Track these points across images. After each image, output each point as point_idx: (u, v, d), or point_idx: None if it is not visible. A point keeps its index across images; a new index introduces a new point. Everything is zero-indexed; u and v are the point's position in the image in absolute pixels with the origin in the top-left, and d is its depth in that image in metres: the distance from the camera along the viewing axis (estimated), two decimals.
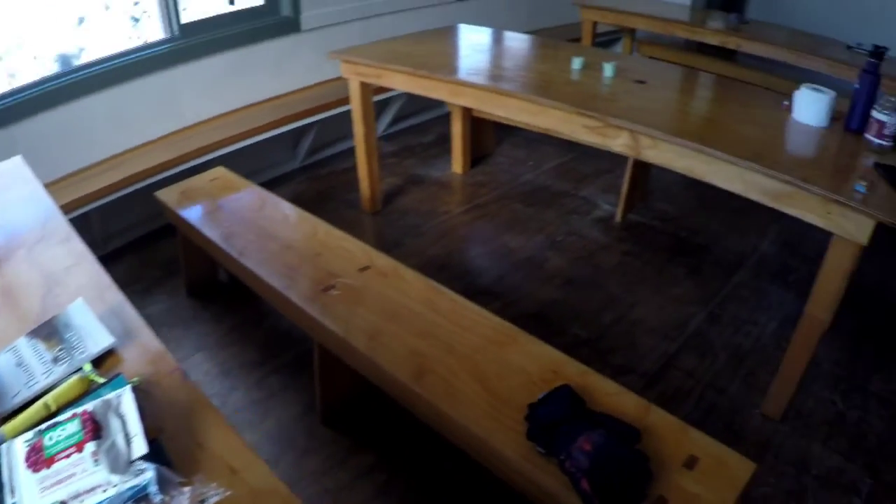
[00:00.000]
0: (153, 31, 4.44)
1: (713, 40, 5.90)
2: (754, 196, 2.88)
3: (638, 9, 6.29)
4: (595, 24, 6.44)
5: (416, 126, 6.17)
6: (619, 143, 3.25)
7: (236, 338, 3.63)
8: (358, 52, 4.22)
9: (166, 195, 3.69)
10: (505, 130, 5.89)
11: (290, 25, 5.00)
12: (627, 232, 4.61)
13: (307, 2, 5.02)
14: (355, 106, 4.30)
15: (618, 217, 4.72)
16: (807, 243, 4.43)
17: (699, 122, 3.35)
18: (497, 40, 4.65)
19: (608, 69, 3.76)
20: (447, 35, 4.67)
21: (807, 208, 2.73)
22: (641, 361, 3.51)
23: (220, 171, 3.87)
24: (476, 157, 5.47)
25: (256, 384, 3.32)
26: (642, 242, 4.51)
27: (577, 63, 3.88)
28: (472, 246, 4.36)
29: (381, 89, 4.73)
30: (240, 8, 4.83)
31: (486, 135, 5.51)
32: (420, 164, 5.41)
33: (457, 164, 5.27)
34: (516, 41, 4.66)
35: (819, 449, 3.16)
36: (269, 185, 4.95)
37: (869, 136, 3.16)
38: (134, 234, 4.46)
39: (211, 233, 3.33)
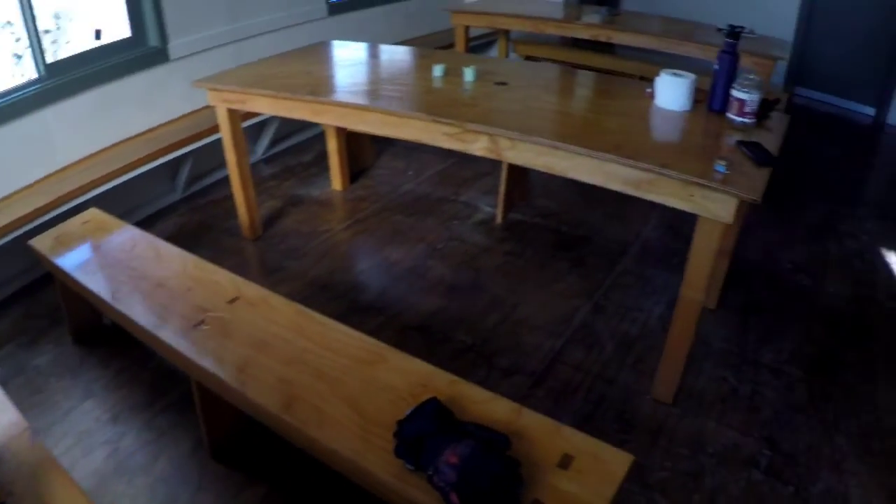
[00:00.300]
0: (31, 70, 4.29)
1: (584, 35, 5.96)
2: (616, 187, 2.89)
3: (509, 9, 6.31)
4: (467, 28, 6.44)
5: (295, 146, 6.10)
6: (478, 146, 3.24)
7: (124, 380, 3.53)
8: (222, 78, 4.14)
9: (40, 243, 3.56)
10: (384, 142, 5.87)
11: (159, 55, 4.89)
12: (509, 232, 4.61)
13: (174, 30, 4.91)
14: (225, 133, 4.23)
15: (498, 218, 4.72)
16: (688, 225, 4.35)
17: (558, 119, 3.36)
18: (365, 54, 4.62)
19: (468, 74, 3.76)
20: (317, 52, 4.62)
21: (669, 193, 2.76)
22: (528, 360, 3.50)
23: (92, 213, 3.76)
24: (356, 171, 5.43)
25: (147, 425, 3.23)
26: (524, 241, 4.52)
27: (438, 70, 3.87)
28: (353, 263, 4.32)
29: (253, 113, 4.65)
30: (107, 42, 4.69)
31: (364, 148, 5.47)
32: (300, 184, 5.34)
33: (336, 181, 5.22)
34: (384, 53, 4.64)
35: (714, 427, 3.20)
36: (151, 219, 4.85)
37: (731, 115, 3.22)
38: (16, 285, 4.29)
39: (84, 278, 3.23)
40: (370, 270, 4.23)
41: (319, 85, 3.93)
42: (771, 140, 3.14)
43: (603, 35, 5.77)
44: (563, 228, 4.67)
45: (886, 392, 3.60)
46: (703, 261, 2.83)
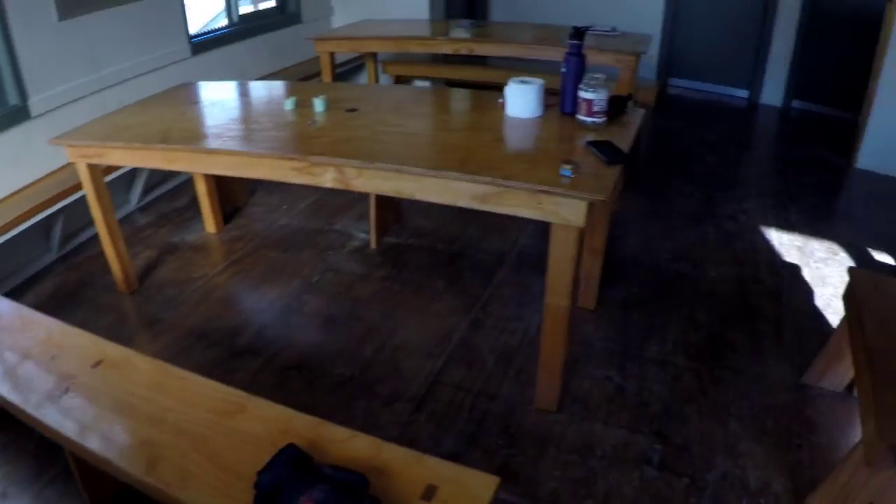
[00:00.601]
0: None
1: (447, 50, 5.97)
2: (464, 203, 2.86)
3: (372, 32, 6.27)
4: (333, 55, 6.39)
5: (169, 191, 5.97)
6: (327, 178, 3.18)
7: (10, 455, 3.38)
8: (78, 133, 4.00)
9: None
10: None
11: (20, 114, 4.70)
12: (384, 257, 4.56)
13: (34, 86, 4.73)
14: (88, 190, 4.09)
15: (373, 244, 4.66)
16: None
17: (405, 141, 3.31)
18: (223, 93, 4.52)
19: (318, 104, 3.70)
20: (175, 96, 4.50)
21: (517, 204, 2.73)
22: (408, 386, 3.44)
23: None
24: (230, 211, 5.33)
25: (35, 499, 3.09)
26: (400, 264, 4.47)
27: (289, 104, 3.81)
28: (230, 306, 4.21)
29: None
30: None
31: (236, 187, 5.37)
32: (175, 230, 5.22)
33: (210, 224, 5.11)
34: (242, 91, 4.54)
35: (602, 429, 3.18)
36: (28, 283, 4.66)
37: (581, 117, 3.21)
38: None
39: None
40: (247, 312, 4.14)
41: (172, 131, 3.83)
42: (624, 136, 3.14)
43: (464, 48, 5.78)
44: (439, 246, 4.63)
45: (776, 368, 3.64)
46: (563, 266, 2.81)
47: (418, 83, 7.61)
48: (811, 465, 3.09)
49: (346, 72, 7.36)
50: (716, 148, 7.06)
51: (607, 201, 2.58)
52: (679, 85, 8.98)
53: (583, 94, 3.21)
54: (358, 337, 3.80)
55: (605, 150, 2.93)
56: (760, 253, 4.88)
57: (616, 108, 3.41)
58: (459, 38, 5.87)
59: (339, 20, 7.71)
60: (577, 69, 3.34)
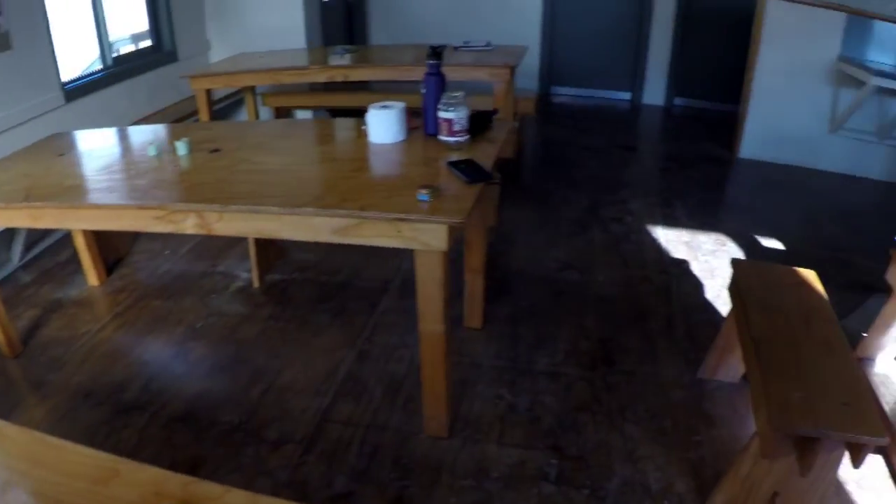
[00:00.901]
0: None
1: (321, 79, 5.91)
2: (325, 238, 2.80)
3: (247, 65, 6.19)
4: (209, 92, 6.28)
5: (52, 246, 5.78)
6: (189, 225, 3.07)
7: None
8: None
9: None
10: None
11: None
12: (268, 295, 4.46)
13: None
14: None
15: (256, 283, 4.56)
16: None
17: (265, 180, 3.21)
18: (95, 141, 4.36)
19: (181, 147, 3.60)
20: (44, 148, 4.31)
21: (377, 234, 2.69)
22: (297, 427, 3.36)
23: None
24: (112, 261, 5.18)
25: None
26: (283, 301, 4.38)
27: (152, 150, 3.70)
28: (115, 361, 4.07)
29: None
30: None
31: (116, 237, 5.23)
32: (58, 286, 5.05)
33: (91, 276, 4.96)
34: (115, 136, 4.40)
35: (496, 449, 3.14)
36: None
37: (443, 137, 3.18)
38: None
39: None
40: (133, 366, 4.01)
41: (36, 187, 3.70)
42: (488, 153, 3.12)
43: (339, 76, 5.74)
44: (323, 278, 4.56)
45: (670, 366, 3.67)
46: (432, 291, 2.78)
47: (300, 114, 7.53)
48: (713, 460, 3.11)
49: (225, 108, 7.25)
50: (600, 152, 7.14)
51: (481, 219, 2.55)
52: (562, 93, 9.08)
53: (442, 115, 3.19)
54: (244, 381, 3.70)
55: (466, 169, 2.91)
56: (648, 252, 4.92)
57: (480, 124, 3.40)
58: (335, 66, 5.82)
59: (217, 55, 7.59)
60: (437, 89, 3.32)
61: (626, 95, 8.95)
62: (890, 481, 3.18)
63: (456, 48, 5.86)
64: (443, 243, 2.61)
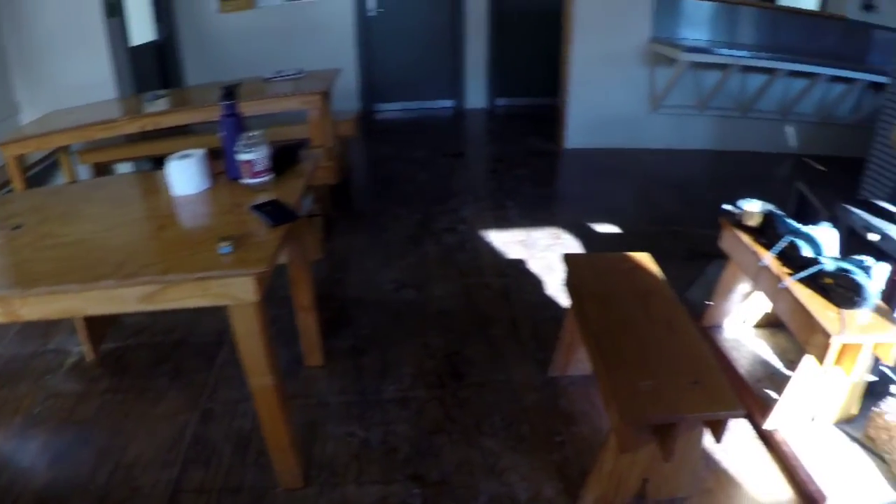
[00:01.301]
0: None
1: (132, 129, 5.69)
2: (133, 308, 2.63)
3: (58, 124, 5.90)
4: (21, 157, 5.96)
5: None
6: None
7: None
8: None
9: None
10: None
11: None
12: (104, 367, 4.22)
13: None
14: None
15: (90, 355, 4.34)
16: (282, 289, 4.23)
17: (67, 254, 2.92)
18: None
19: None
20: None
21: (185, 296, 2.55)
22: None
23: None
24: None
25: None
26: (120, 371, 4.15)
27: None
28: None
29: None
30: None
31: None
32: None
33: None
34: None
35: (355, 490, 3.06)
36: None
37: (246, 180, 3.07)
38: None
39: None
40: None
41: None
42: (294, 189, 3.05)
43: (150, 124, 5.53)
44: (158, 339, 4.36)
45: (519, 370, 3.68)
46: (254, 345, 2.67)
47: (121, 167, 7.29)
48: (578, 458, 3.13)
49: (41, 172, 6.92)
50: (428, 163, 7.14)
51: (302, 256, 2.46)
52: (386, 109, 9.08)
53: (241, 157, 3.07)
54: (89, 464, 3.47)
55: (271, 211, 2.81)
56: (484, 258, 4.92)
57: (286, 159, 3.32)
58: (145, 114, 5.63)
59: (28, 116, 7.25)
60: (234, 131, 3.19)
61: (449, 103, 9.03)
62: (758, 440, 3.24)
63: (267, 79, 5.75)
64: (252, 295, 2.50)
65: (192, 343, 4.25)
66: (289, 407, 3.00)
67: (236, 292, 2.50)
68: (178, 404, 3.73)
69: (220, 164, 3.34)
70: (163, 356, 4.16)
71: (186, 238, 2.90)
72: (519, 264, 4.80)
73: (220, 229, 2.76)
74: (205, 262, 2.51)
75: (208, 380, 3.88)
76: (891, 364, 2.98)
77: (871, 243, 3.57)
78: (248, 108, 4.89)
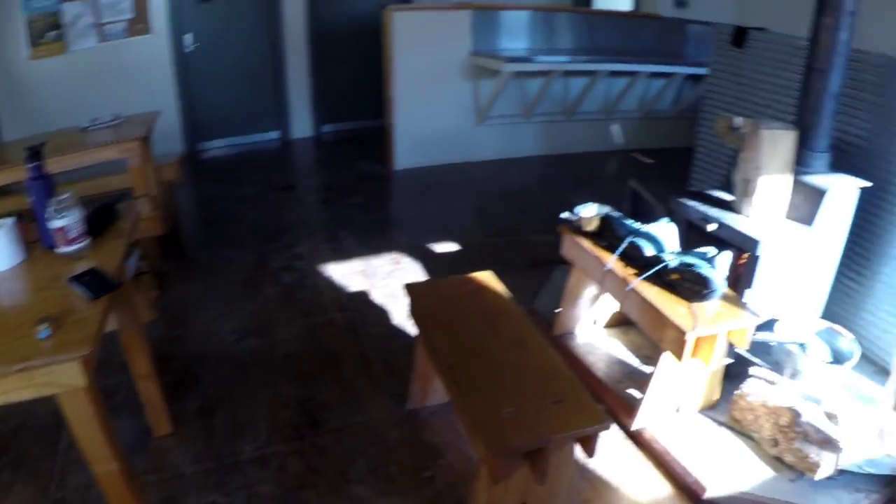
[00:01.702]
0: None
1: None
2: None
3: None
4: None
5: None
6: None
7: None
8: None
9: None
10: None
11: None
12: None
13: None
14: None
15: None
16: (114, 353, 3.94)
17: None
18: None
19: None
20: None
21: (9, 390, 2.28)
22: None
23: None
24: None
25: None
26: None
27: None
28: None
29: None
30: None
31: None
32: None
33: None
34: None
35: None
36: None
37: (61, 249, 2.81)
38: None
39: None
40: None
41: None
42: (116, 251, 2.83)
43: None
44: None
45: (377, 408, 3.59)
46: (91, 431, 2.45)
47: None
48: (450, 490, 3.05)
49: None
50: (257, 200, 6.94)
51: (133, 321, 2.25)
52: (212, 146, 8.81)
53: (54, 223, 2.79)
54: None
55: (90, 282, 2.56)
56: (325, 294, 4.79)
57: (103, 219, 3.08)
58: None
59: None
60: (44, 195, 2.90)
61: (276, 134, 8.89)
62: (628, 441, 3.23)
63: (84, 129, 5.43)
64: (80, 379, 2.28)
65: (30, 428, 3.85)
66: (140, 487, 2.78)
67: (63, 379, 2.28)
68: (26, 498, 3.37)
69: (34, 232, 3.05)
70: (2, 447, 3.78)
71: (3, 323, 2.62)
72: (361, 296, 4.68)
73: (38, 308, 2.51)
74: (24, 351, 2.26)
75: (54, 467, 3.53)
76: (746, 348, 3.03)
77: (710, 233, 3.61)
78: (63, 163, 4.64)
